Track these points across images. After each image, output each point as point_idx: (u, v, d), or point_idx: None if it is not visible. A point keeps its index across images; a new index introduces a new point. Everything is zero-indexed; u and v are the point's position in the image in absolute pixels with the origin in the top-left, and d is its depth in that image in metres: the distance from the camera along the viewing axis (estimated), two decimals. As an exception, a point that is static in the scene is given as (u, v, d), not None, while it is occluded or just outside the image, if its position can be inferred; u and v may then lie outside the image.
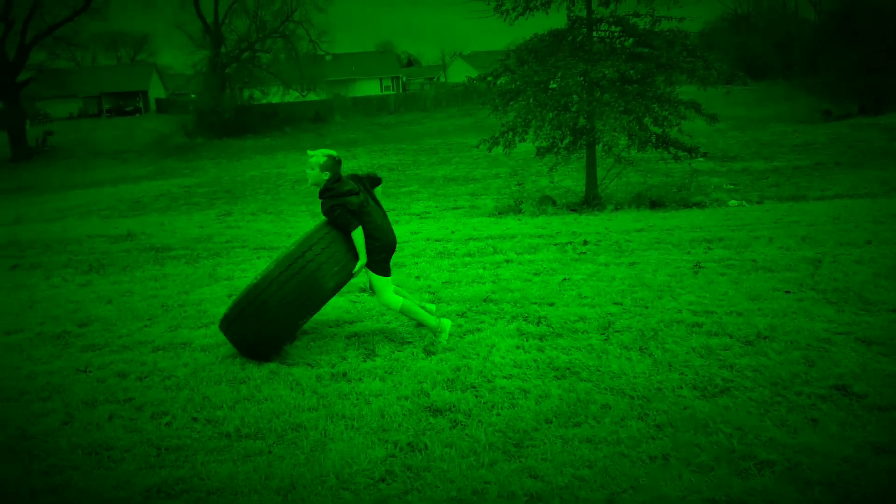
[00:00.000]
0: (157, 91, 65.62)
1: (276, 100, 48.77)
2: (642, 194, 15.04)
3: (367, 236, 4.90)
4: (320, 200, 4.96)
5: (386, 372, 4.60)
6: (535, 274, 7.19)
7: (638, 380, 4.30)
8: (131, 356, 5.28)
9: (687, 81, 14.19)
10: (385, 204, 17.25)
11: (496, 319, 5.65)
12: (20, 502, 3.28)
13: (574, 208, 13.98)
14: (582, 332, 5.20)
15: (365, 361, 4.83)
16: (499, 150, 14.74)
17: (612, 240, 9.07)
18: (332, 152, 5.00)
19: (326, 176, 4.91)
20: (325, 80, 48.87)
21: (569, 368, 4.51)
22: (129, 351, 5.43)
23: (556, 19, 15.99)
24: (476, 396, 4.15)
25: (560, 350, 4.84)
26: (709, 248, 8.18)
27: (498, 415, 3.92)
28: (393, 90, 63.75)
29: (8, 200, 25.69)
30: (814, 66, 42.58)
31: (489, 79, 14.46)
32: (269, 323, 4.70)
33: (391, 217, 13.53)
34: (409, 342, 5.20)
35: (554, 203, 14.55)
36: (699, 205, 14.05)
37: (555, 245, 8.82)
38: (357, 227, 4.80)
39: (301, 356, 4.99)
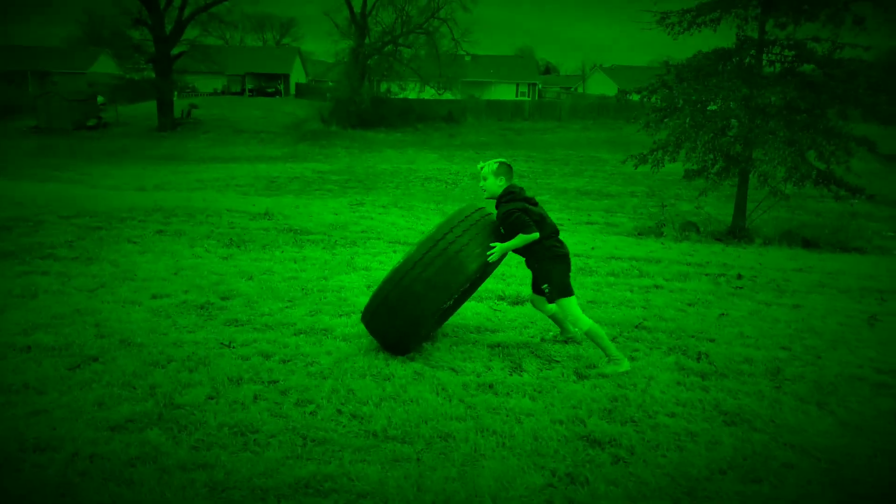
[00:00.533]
0: (298, 76, 68.12)
1: (411, 96, 49.42)
2: (792, 231, 13.97)
3: (550, 248, 4.71)
4: (495, 210, 4.78)
5: (535, 390, 4.30)
6: (689, 304, 6.71)
7: (821, 439, 3.82)
8: (273, 336, 5.21)
9: (860, 118, 13.07)
10: None
11: (651, 349, 5.24)
12: (172, 473, 3.19)
13: (719, 238, 13.15)
14: (748, 375, 4.76)
15: (511, 375, 4.55)
16: (645, 168, 14.11)
17: (769, 277, 8.41)
18: (502, 159, 4.87)
19: (502, 182, 4.81)
20: (461, 81, 49.09)
21: (739, 415, 4.10)
22: (272, 331, 5.38)
23: (722, 37, 15.09)
24: (637, 432, 3.81)
25: (727, 392, 4.42)
26: (882, 300, 7.41)
27: (664, 456, 3.57)
28: (528, 96, 63.35)
29: (154, 167, 27.20)
30: None
31: (644, 93, 13.81)
32: (414, 306, 4.49)
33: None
34: (557, 361, 4.88)
35: (697, 230, 13.75)
36: (860, 250, 12.90)
37: (706, 275, 8.26)
38: (535, 232, 4.59)
39: (444, 360, 4.77)
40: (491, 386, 4.33)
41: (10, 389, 4.10)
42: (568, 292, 4.72)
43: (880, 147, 13.20)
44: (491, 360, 4.81)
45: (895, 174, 28.07)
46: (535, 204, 4.84)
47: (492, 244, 4.62)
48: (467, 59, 53.02)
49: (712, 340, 5.52)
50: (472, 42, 49.31)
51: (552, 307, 5.02)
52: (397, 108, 47.09)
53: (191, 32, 42.82)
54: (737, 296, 7.26)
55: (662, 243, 11.65)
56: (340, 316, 5.87)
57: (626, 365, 4.68)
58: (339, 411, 3.89)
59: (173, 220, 10.89)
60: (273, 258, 8.24)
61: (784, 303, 7.02)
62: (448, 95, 49.62)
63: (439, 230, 4.64)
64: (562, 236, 4.90)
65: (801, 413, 4.15)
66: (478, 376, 4.48)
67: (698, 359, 5.03)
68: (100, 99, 45.60)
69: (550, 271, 4.72)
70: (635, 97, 14.27)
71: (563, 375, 4.58)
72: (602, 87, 68.39)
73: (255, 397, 4.06)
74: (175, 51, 42.01)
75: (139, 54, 41.94)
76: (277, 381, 4.31)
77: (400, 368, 4.56)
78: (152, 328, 5.32)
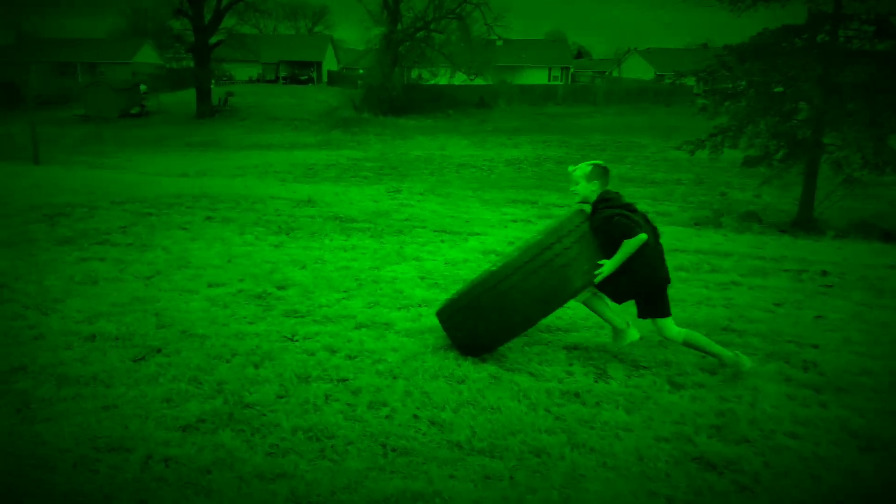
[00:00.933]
0: (330, 63, 68.04)
1: (443, 81, 49.08)
2: (867, 222, 13.31)
3: (648, 263, 4.32)
4: (595, 216, 4.39)
5: (628, 401, 4.01)
6: (776, 304, 6.31)
7: None
8: (335, 330, 5.07)
9: None
10: (564, 200, 16.47)
11: (745, 353, 4.89)
12: (250, 483, 3.04)
13: (784, 229, 12.59)
14: (872, 391, 4.32)
15: (597, 382, 4.29)
16: (689, 154, 13.68)
17: (859, 274, 7.89)
18: (598, 161, 4.53)
19: (596, 186, 4.45)
20: (493, 66, 48.54)
21: (875, 438, 3.68)
22: (333, 324, 5.23)
23: (786, 14, 14.26)
24: (757, 454, 3.48)
25: (851, 410, 4.01)
26: None
27: (797, 487, 3.22)
28: (561, 80, 62.57)
29: (195, 154, 27.34)
30: None
31: (702, 75, 13.26)
32: (506, 314, 4.26)
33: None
34: (646, 367, 4.60)
35: (759, 220, 13.27)
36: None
37: (785, 271, 7.88)
38: (640, 234, 4.19)
39: (519, 362, 4.56)
40: (577, 395, 4.08)
41: (80, 381, 4.00)
42: (666, 312, 4.42)
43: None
44: (571, 365, 4.56)
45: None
46: (635, 210, 4.46)
47: (599, 262, 4.29)
48: (499, 43, 52.55)
49: (815, 347, 5.10)
50: (504, 26, 48.89)
51: (604, 304, 4.63)
52: (428, 94, 46.83)
53: (228, 21, 43.01)
54: (828, 295, 6.80)
55: (725, 235, 11.26)
56: (399, 309, 5.70)
57: (746, 362, 4.39)
58: (416, 416, 3.71)
59: (220, 206, 10.81)
60: (323, 246, 8.10)
61: (887, 304, 6.52)
62: (479, 81, 49.16)
63: (547, 237, 4.31)
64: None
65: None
66: (560, 382, 4.25)
67: (805, 368, 4.65)
68: (142, 88, 46.08)
69: (652, 293, 4.36)
70: (690, 80, 13.74)
71: (655, 384, 4.29)
72: (638, 70, 67.27)
73: (327, 397, 3.90)
74: (213, 40, 42.24)
75: (179, 44, 42.35)
76: (347, 380, 4.15)
77: (473, 370, 4.36)
78: (212, 318, 5.20)
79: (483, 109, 47.07)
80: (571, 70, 66.41)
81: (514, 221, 11.35)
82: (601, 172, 4.44)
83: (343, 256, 7.61)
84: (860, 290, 7.12)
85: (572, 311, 5.72)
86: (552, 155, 29.15)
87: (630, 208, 4.39)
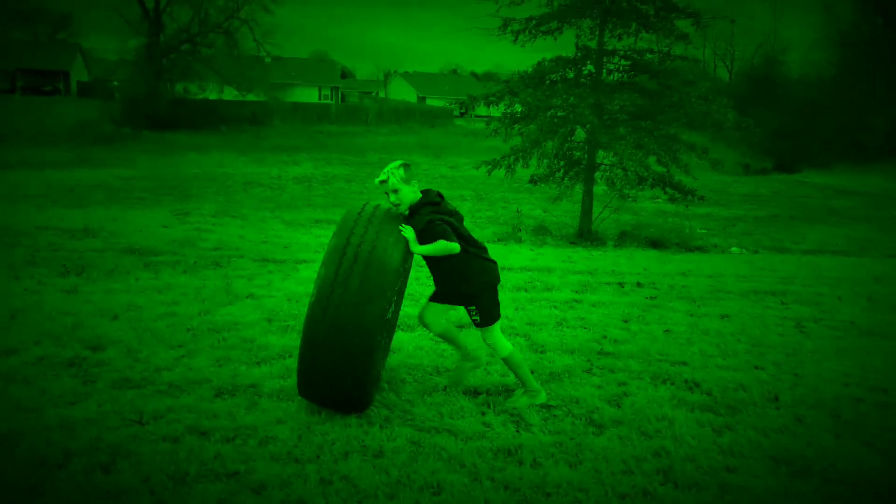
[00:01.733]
0: (79, 73, 61.46)
1: (212, 96, 46.40)
2: (632, 233, 14.45)
3: (477, 270, 4.06)
4: (414, 218, 4.00)
5: (564, 453, 3.56)
6: (625, 321, 6.34)
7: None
8: (191, 402, 4.04)
9: (696, 127, 13.88)
10: None
11: (632, 379, 4.72)
12: None
13: (573, 241, 13.35)
14: (753, 405, 4.36)
15: (519, 433, 3.79)
16: (466, 172, 13.98)
17: (666, 283, 8.36)
18: (401, 161, 4.10)
19: (415, 186, 4.05)
20: (265, 83, 46.78)
21: (793, 460, 3.59)
22: (184, 393, 4.19)
23: (561, 47, 15.39)
24: (716, 498, 3.20)
25: (756, 431, 3.94)
26: (784, 304, 7.53)
27: None
28: (332, 100, 62.01)
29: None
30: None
31: (492, 99, 13.65)
32: (353, 332, 3.57)
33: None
34: (554, 405, 4.19)
35: (550, 234, 13.83)
36: (702, 249, 13.59)
37: (606, 284, 8.05)
38: (455, 242, 3.88)
39: (428, 417, 3.91)
40: (510, 452, 3.53)
41: None
42: (495, 318, 4.14)
43: (713, 152, 14.06)
44: (483, 414, 4.01)
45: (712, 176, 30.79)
46: (459, 219, 4.19)
47: (402, 227, 3.92)
48: (268, 60, 50.89)
49: (684, 363, 5.12)
50: (273, 44, 47.41)
51: (442, 324, 4.30)
52: (198, 109, 43.92)
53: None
54: (658, 307, 7.05)
55: (532, 250, 11.44)
56: (258, 364, 4.76)
57: (542, 396, 4.24)
58: (351, 514, 2.93)
59: (-29, 243, 8.84)
60: (130, 288, 6.78)
61: (708, 312, 6.91)
62: (252, 97, 47.18)
63: (339, 238, 3.78)
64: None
65: (860, 452, 3.73)
66: (485, 439, 3.68)
67: (690, 389, 4.61)
68: None
69: (481, 295, 4.08)
70: (482, 107, 14.08)
71: (576, 427, 3.89)
72: (402, 92, 69.00)
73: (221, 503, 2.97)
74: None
75: None
76: (238, 473, 3.22)
77: (384, 437, 3.63)
78: (15, 405, 3.92)
79: (257, 126, 45.18)
80: (341, 89, 66.26)
81: (334, 246, 10.57)
82: (411, 170, 4.07)
83: (160, 300, 6.39)
84: (677, 299, 7.49)
85: (452, 350, 5.15)
86: (340, 173, 28.54)
87: (453, 214, 4.11)
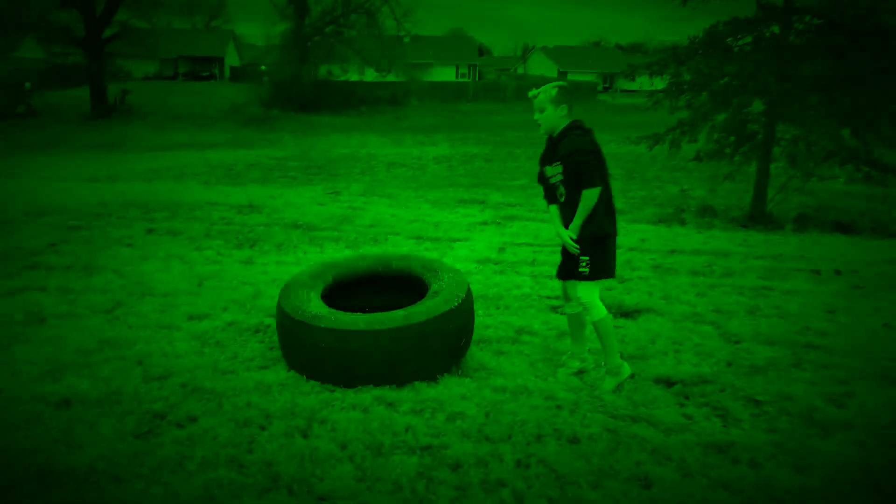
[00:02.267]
0: (232, 59, 65.14)
1: (353, 78, 47.71)
2: (813, 216, 13.26)
3: (606, 216, 3.88)
4: (557, 146, 3.88)
5: (785, 453, 3.29)
6: (829, 311, 5.75)
7: None
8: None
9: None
10: (508, 198, 16.03)
11: (855, 378, 4.22)
12: None
13: (744, 224, 12.36)
14: None
15: (727, 428, 3.56)
16: (612, 148, 13.24)
17: (872, 272, 7.51)
18: (563, 83, 3.91)
19: (564, 111, 3.87)
20: (404, 62, 47.57)
21: None
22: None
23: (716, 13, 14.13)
24: None
25: None
26: None
27: None
28: (469, 78, 62.23)
29: (96, 157, 25.02)
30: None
31: (654, 68, 12.85)
32: None
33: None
34: (761, 401, 3.91)
35: (716, 215, 13.01)
36: (900, 234, 12.37)
37: (797, 271, 7.43)
38: (598, 186, 3.75)
39: (617, 405, 3.75)
40: (721, 449, 3.31)
41: (72, 477, 2.89)
42: (605, 274, 3.92)
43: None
44: (682, 406, 3.80)
45: None
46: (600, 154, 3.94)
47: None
48: (406, 39, 51.68)
49: None
50: (413, 22, 48.01)
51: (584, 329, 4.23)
52: (340, 90, 45.32)
53: (121, 14, 39.92)
54: (867, 298, 6.35)
55: (700, 232, 10.84)
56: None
57: (626, 370, 4.02)
58: None
59: (155, 216, 9.51)
60: (299, 261, 7.05)
61: None
62: (390, 77, 48.13)
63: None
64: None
65: None
66: (688, 431, 3.48)
67: None
68: (27, 85, 42.13)
69: (600, 243, 3.87)
70: (643, 75, 13.30)
71: (793, 425, 3.58)
72: (541, 67, 67.92)
73: (423, 478, 2.96)
74: (107, 33, 39.07)
75: (67, 37, 38.77)
76: (430, 447, 3.22)
77: (577, 423, 3.53)
78: (213, 365, 4.14)
79: (396, 106, 46.08)
80: (479, 67, 66.30)
81: (484, 224, 10.55)
82: (567, 95, 3.86)
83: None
84: (890, 290, 6.72)
85: (634, 335, 4.95)
86: (476, 152, 28.56)
87: (597, 147, 3.88)
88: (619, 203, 14.88)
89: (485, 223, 10.62)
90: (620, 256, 4.77)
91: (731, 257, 8.24)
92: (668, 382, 4.11)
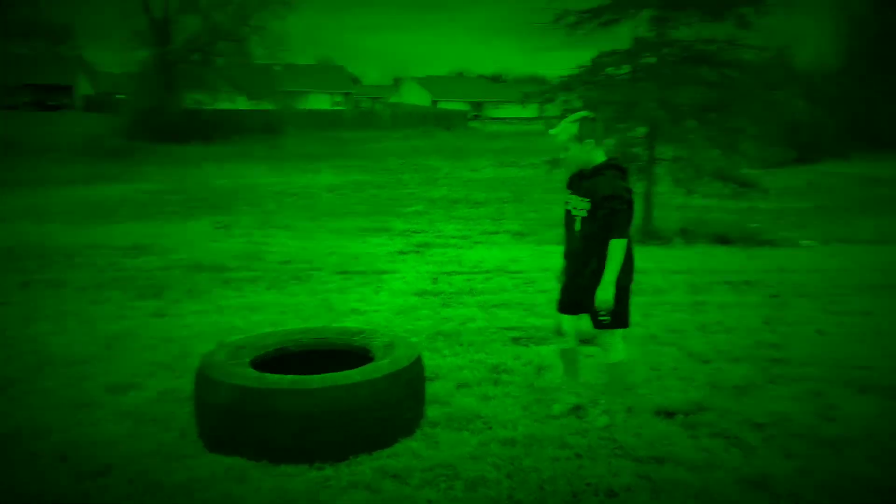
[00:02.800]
0: (84, 88, 61.20)
1: (223, 106, 45.97)
2: (695, 230, 13.85)
3: (627, 266, 3.60)
4: (590, 182, 3.52)
5: (823, 486, 3.01)
6: (765, 322, 5.94)
7: None
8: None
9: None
10: (411, 225, 15.96)
11: (827, 388, 4.25)
12: None
13: (640, 240, 12.73)
14: None
15: (748, 459, 3.24)
16: (493, 172, 13.47)
17: (774, 280, 7.90)
18: (585, 112, 3.61)
19: (591, 144, 3.51)
20: (277, 90, 46.39)
21: None
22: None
23: (605, 42, 14.81)
24: None
25: None
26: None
27: None
28: (344, 106, 61.71)
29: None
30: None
31: (547, 96, 13.21)
32: None
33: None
34: (767, 423, 3.64)
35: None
36: (771, 243, 13.00)
37: (714, 284, 7.67)
38: (627, 238, 3.48)
39: (632, 445, 3.35)
40: (757, 484, 3.04)
41: None
42: (625, 323, 3.65)
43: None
44: (694, 439, 3.48)
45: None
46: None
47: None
48: (278, 68, 50.66)
49: (867, 368, 4.63)
50: (287, 50, 47.01)
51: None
52: (210, 119, 43.49)
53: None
54: (788, 306, 6.62)
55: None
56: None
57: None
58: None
59: (26, 265, 8.30)
60: (220, 310, 6.23)
61: (846, 310, 6.44)
62: (264, 105, 46.81)
63: None
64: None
65: None
66: (716, 468, 3.16)
67: None
68: None
69: (618, 293, 3.55)
70: (546, 105, 13.60)
71: (809, 449, 3.41)
72: (415, 96, 68.52)
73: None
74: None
75: None
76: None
77: (607, 473, 3.08)
78: (159, 451, 3.36)
79: (271, 135, 44.74)
80: (353, 95, 65.94)
81: (403, 253, 9.99)
82: (590, 125, 3.53)
83: (259, 320, 5.83)
84: (799, 297, 7.05)
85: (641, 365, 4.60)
86: (365, 180, 27.97)
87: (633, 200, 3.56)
88: (517, 225, 15.13)
89: (403, 252, 10.08)
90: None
91: (650, 274, 8.24)
92: (667, 413, 3.91)
